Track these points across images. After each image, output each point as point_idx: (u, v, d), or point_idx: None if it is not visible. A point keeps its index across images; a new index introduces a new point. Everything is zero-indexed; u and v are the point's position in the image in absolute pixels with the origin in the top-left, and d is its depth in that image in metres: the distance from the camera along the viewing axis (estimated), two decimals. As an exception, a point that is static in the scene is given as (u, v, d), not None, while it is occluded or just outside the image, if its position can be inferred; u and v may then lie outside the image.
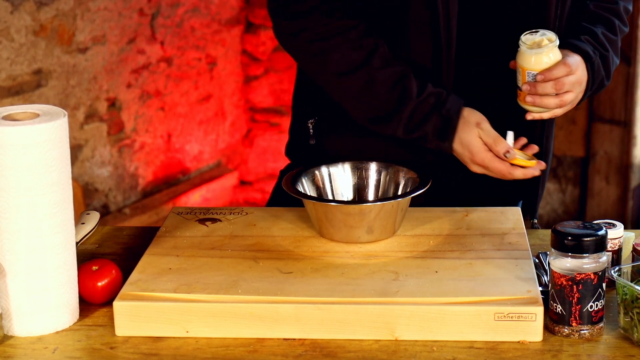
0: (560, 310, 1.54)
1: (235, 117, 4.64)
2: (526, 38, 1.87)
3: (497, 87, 1.96)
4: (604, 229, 1.54)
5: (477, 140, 1.88)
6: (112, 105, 3.95)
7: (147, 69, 4.09)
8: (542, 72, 1.86)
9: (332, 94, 1.95)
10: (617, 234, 1.69)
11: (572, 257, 1.53)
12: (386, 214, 1.74)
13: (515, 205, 2.02)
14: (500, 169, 1.88)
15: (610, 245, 1.68)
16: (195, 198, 4.31)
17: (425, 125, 1.88)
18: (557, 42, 1.87)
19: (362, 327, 1.53)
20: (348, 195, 1.88)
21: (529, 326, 1.52)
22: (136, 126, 4.08)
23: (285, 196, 1.82)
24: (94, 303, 1.66)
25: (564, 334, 1.54)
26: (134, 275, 1.64)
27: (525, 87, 1.87)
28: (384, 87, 1.89)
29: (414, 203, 1.82)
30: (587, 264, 1.52)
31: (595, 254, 1.52)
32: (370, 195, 1.88)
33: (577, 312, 1.53)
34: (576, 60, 1.89)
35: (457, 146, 1.90)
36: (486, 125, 1.89)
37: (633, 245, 1.69)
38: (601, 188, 4.33)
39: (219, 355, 1.51)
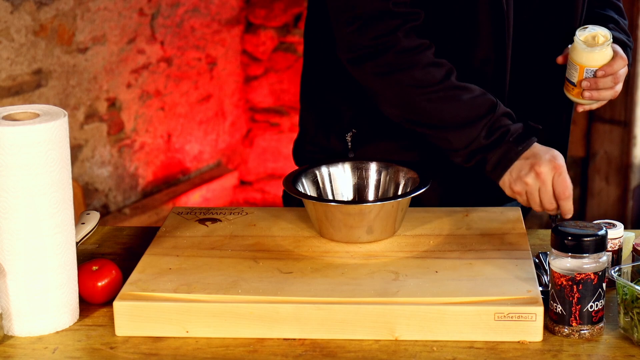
0: (560, 310, 1.54)
1: (235, 117, 4.64)
2: (581, 34, 1.89)
3: (536, 83, 1.98)
4: (604, 229, 1.54)
5: (558, 156, 1.82)
6: (112, 105, 3.95)
7: (147, 69, 4.09)
8: (602, 68, 1.89)
9: (407, 107, 1.85)
10: (617, 234, 1.69)
11: (572, 257, 1.53)
12: (386, 214, 1.74)
13: (516, 203, 2.01)
14: (568, 184, 1.79)
15: (610, 245, 1.68)
16: (195, 198, 4.31)
17: (510, 126, 1.83)
18: (612, 38, 1.90)
19: (362, 327, 1.53)
20: (348, 195, 1.88)
21: (529, 326, 1.52)
22: (136, 126, 4.08)
23: (295, 199, 1.81)
24: (94, 303, 1.66)
25: (564, 334, 1.54)
26: (134, 275, 1.64)
27: (585, 84, 1.89)
28: (469, 94, 1.84)
29: (414, 203, 1.82)
30: (587, 264, 1.52)
31: (595, 254, 1.52)
32: (370, 195, 1.88)
33: (577, 312, 1.53)
34: (622, 51, 1.93)
35: (529, 153, 1.82)
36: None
37: (633, 245, 1.69)
38: (601, 188, 4.33)
39: (219, 355, 1.51)
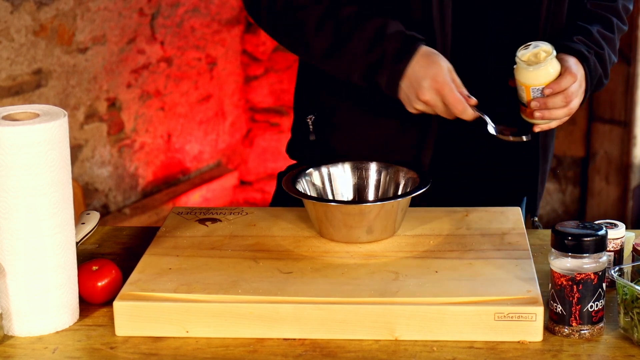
0: (560, 310, 1.54)
1: (235, 117, 4.64)
2: (522, 54, 1.83)
3: (491, 88, 1.94)
4: (604, 229, 1.53)
5: (445, 65, 1.82)
6: (112, 105, 3.95)
7: (147, 69, 4.09)
8: (549, 86, 1.83)
9: (291, 31, 1.92)
10: (618, 234, 1.69)
11: (572, 257, 1.53)
12: (386, 214, 1.74)
13: (516, 203, 2.01)
14: (457, 100, 1.80)
15: (612, 246, 1.68)
16: (195, 198, 4.31)
17: (387, 44, 1.83)
18: (555, 53, 1.84)
19: (362, 327, 1.53)
20: (348, 195, 1.88)
21: (529, 326, 1.52)
22: (136, 126, 4.08)
23: (286, 197, 1.81)
24: (94, 303, 1.66)
25: (564, 334, 1.54)
26: (134, 275, 1.64)
27: (534, 104, 1.84)
28: (346, 12, 1.87)
29: (414, 203, 1.82)
30: (587, 264, 1.52)
31: (595, 254, 1.52)
32: (370, 195, 1.88)
33: (577, 312, 1.53)
34: (575, 65, 1.87)
35: (413, 70, 1.82)
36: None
37: (633, 245, 1.69)
38: (601, 188, 4.33)
39: (219, 355, 1.51)
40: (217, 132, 4.51)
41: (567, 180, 4.46)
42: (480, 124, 1.85)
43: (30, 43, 3.52)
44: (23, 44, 3.49)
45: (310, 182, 1.85)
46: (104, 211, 3.96)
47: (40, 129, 1.52)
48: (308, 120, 2.04)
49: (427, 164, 1.94)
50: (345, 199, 1.88)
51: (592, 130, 4.32)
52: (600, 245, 1.52)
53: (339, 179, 1.88)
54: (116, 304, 1.56)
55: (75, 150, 3.77)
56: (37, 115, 1.56)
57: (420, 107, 1.84)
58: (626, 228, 1.72)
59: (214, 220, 1.85)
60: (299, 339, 1.54)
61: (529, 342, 1.52)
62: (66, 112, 1.58)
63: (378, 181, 1.88)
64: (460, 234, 1.78)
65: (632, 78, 4.15)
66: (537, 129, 1.89)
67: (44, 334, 1.58)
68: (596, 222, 1.59)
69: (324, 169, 1.88)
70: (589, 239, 1.51)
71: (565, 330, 1.54)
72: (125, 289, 1.60)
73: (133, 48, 3.99)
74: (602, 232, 1.52)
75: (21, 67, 3.50)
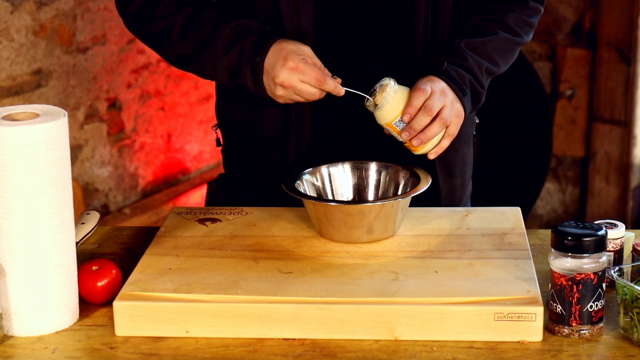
0: (560, 310, 1.54)
1: (235, 117, 4.63)
2: (368, 104, 1.81)
3: (362, 107, 1.89)
4: (604, 228, 1.54)
5: (298, 47, 1.80)
6: (112, 105, 3.95)
7: (147, 69, 4.09)
8: (404, 112, 1.79)
9: (156, 42, 1.94)
10: (618, 234, 1.69)
11: (572, 257, 1.53)
12: (386, 214, 1.74)
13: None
14: (313, 69, 1.77)
15: (612, 246, 1.68)
16: (195, 198, 4.31)
17: (245, 40, 1.83)
18: (392, 82, 1.80)
19: (362, 327, 1.53)
20: (348, 195, 1.88)
21: (529, 326, 1.52)
22: (136, 126, 4.08)
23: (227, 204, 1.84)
24: (94, 303, 1.66)
25: (564, 334, 1.54)
26: (134, 275, 1.64)
27: (405, 135, 1.80)
28: (206, 18, 1.88)
29: (414, 203, 1.82)
30: (587, 264, 1.52)
31: (595, 254, 1.52)
32: (370, 195, 1.88)
33: (577, 312, 1.53)
34: (424, 82, 1.82)
35: (268, 60, 1.80)
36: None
37: (633, 245, 1.69)
38: (601, 188, 4.34)
39: (219, 355, 1.51)
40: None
41: (567, 180, 4.46)
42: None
43: (30, 43, 3.52)
44: (23, 44, 3.49)
45: (310, 182, 1.85)
46: (104, 211, 3.96)
47: (40, 129, 1.52)
48: (215, 130, 2.06)
49: (427, 164, 1.93)
50: (345, 199, 1.88)
51: (592, 130, 4.32)
52: (600, 245, 1.52)
53: (339, 179, 1.88)
54: (116, 304, 1.56)
55: (75, 150, 3.77)
56: (37, 115, 1.56)
57: (280, 91, 1.79)
58: (626, 228, 1.72)
59: (214, 220, 1.85)
60: (299, 339, 1.54)
61: (529, 342, 1.52)
62: (66, 112, 1.58)
63: (378, 181, 1.88)
64: (460, 234, 1.78)
65: (632, 78, 4.15)
66: (432, 156, 1.84)
67: (44, 334, 1.58)
68: (596, 222, 1.59)
69: (324, 169, 1.88)
70: (588, 239, 1.51)
71: (565, 330, 1.54)
72: (125, 289, 1.60)
73: (133, 48, 3.99)
74: (602, 232, 1.52)
75: (21, 67, 3.50)
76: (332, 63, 1.84)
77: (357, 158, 1.90)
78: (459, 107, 1.84)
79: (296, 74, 1.77)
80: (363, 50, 1.91)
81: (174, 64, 1.96)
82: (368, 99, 1.81)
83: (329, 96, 1.81)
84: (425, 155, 1.85)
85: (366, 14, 1.90)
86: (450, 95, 1.83)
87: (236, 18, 1.86)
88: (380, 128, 1.85)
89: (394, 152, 1.89)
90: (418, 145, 1.82)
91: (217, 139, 2.06)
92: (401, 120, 1.80)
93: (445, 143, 1.84)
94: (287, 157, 1.93)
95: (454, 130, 1.84)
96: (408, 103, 1.80)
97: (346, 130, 1.96)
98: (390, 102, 1.80)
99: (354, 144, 1.96)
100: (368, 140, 1.94)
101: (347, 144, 1.96)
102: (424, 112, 1.79)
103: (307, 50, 1.81)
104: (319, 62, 1.81)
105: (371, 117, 1.83)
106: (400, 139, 1.83)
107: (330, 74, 1.80)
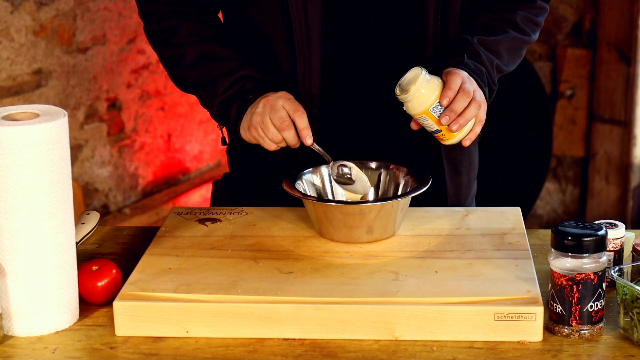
0: (560, 310, 1.54)
1: (235, 117, 4.63)
2: (399, 91, 1.79)
3: (373, 99, 1.92)
4: (604, 228, 1.54)
5: (278, 100, 1.83)
6: (112, 105, 3.95)
7: (147, 68, 4.09)
8: (442, 96, 1.78)
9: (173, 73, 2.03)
10: (619, 234, 1.69)
11: (572, 257, 1.53)
12: (386, 214, 1.74)
13: None
14: (280, 116, 1.81)
15: (612, 246, 1.68)
16: (195, 198, 4.31)
17: (246, 83, 1.88)
18: (423, 70, 1.79)
19: (362, 327, 1.53)
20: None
21: (529, 326, 1.52)
22: (136, 126, 4.08)
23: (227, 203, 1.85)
24: (94, 303, 1.66)
25: (564, 334, 1.54)
26: (134, 275, 1.64)
27: (445, 120, 1.78)
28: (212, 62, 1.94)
29: (420, 202, 1.82)
30: (587, 264, 1.52)
31: (595, 254, 1.52)
32: (370, 195, 1.88)
33: (577, 312, 1.53)
34: (452, 69, 1.83)
35: (252, 109, 1.85)
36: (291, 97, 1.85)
37: (633, 245, 1.69)
38: (601, 188, 4.34)
39: (219, 355, 1.51)
40: (217, 132, 4.50)
41: (567, 180, 4.46)
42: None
43: (30, 43, 3.52)
44: (23, 44, 3.49)
45: (310, 182, 1.85)
46: (104, 211, 3.96)
47: (40, 129, 1.52)
48: (220, 128, 2.07)
49: (427, 164, 1.93)
50: (345, 199, 1.88)
51: (592, 130, 4.32)
52: (600, 245, 1.52)
53: (339, 179, 1.88)
54: (116, 304, 1.56)
55: (75, 150, 3.77)
56: (37, 115, 1.56)
57: (256, 119, 1.84)
58: (626, 228, 1.72)
59: (214, 220, 1.85)
60: (299, 339, 1.54)
61: (529, 342, 1.52)
62: (66, 112, 1.58)
63: (378, 181, 1.88)
64: (460, 234, 1.78)
65: (632, 78, 4.15)
66: (467, 142, 1.83)
67: (44, 334, 1.58)
68: (596, 222, 1.59)
69: (324, 169, 1.88)
70: (588, 239, 1.51)
71: (565, 330, 1.54)
72: (125, 289, 1.60)
73: (133, 48, 3.99)
74: (602, 232, 1.52)
75: (21, 67, 3.50)
76: (341, 63, 1.85)
77: (361, 156, 1.90)
78: (482, 95, 1.85)
79: (270, 111, 1.82)
80: (372, 50, 1.91)
81: (180, 87, 2.05)
82: (400, 90, 1.80)
83: (339, 86, 1.84)
84: (428, 154, 1.85)
85: (375, 14, 1.90)
86: (474, 82, 1.84)
87: (237, 68, 1.90)
88: (390, 121, 1.84)
89: (405, 147, 1.89)
90: (457, 129, 1.79)
91: (223, 138, 2.06)
92: (439, 105, 1.79)
93: (478, 128, 1.84)
94: (293, 155, 1.93)
95: (483, 116, 1.84)
96: (446, 86, 1.79)
97: (355, 122, 1.97)
98: (426, 89, 1.79)
99: (364, 138, 1.97)
100: (377, 135, 1.95)
101: (355, 137, 1.97)
102: (462, 94, 1.79)
103: (281, 95, 1.84)
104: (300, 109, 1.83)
105: (381, 112, 1.83)
106: (435, 128, 1.80)
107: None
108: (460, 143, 1.84)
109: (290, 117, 1.81)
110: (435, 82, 1.80)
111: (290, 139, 1.81)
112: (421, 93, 1.79)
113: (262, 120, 1.82)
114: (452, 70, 1.82)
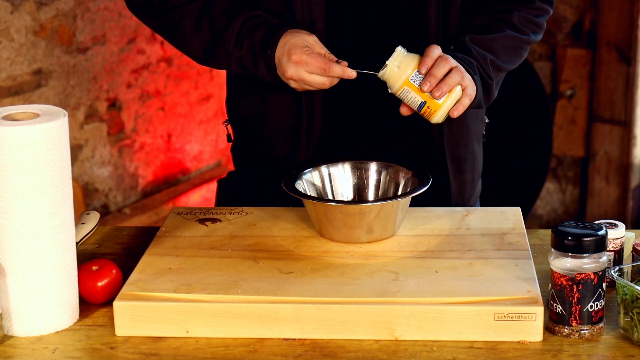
0: (560, 310, 1.54)
1: (235, 117, 4.63)
2: (382, 72, 1.80)
3: (376, 97, 1.91)
4: (604, 228, 1.53)
5: (302, 38, 1.82)
6: (112, 105, 3.95)
7: (147, 69, 4.09)
8: (421, 64, 1.78)
9: (171, 33, 1.97)
10: (619, 234, 1.69)
11: (572, 257, 1.53)
12: (386, 214, 1.74)
13: None
14: (315, 58, 1.80)
15: (612, 246, 1.68)
16: (195, 198, 4.31)
17: (254, 35, 1.86)
18: (402, 47, 1.80)
19: (362, 327, 1.53)
20: (348, 195, 1.88)
21: (529, 326, 1.52)
22: (136, 126, 4.08)
23: (229, 203, 1.83)
24: (94, 303, 1.66)
25: (564, 334, 1.54)
26: (134, 275, 1.64)
27: (425, 86, 1.77)
28: (217, 11, 1.90)
29: (424, 201, 1.82)
30: (587, 264, 1.52)
31: (595, 254, 1.52)
32: (370, 195, 1.88)
33: (577, 312, 1.53)
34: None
35: (277, 55, 1.83)
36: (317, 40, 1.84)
37: (633, 245, 1.69)
38: (601, 188, 4.33)
39: (219, 355, 1.51)
40: (217, 132, 4.51)
41: (567, 180, 4.46)
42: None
43: (30, 43, 3.51)
44: (23, 44, 3.49)
45: (310, 182, 1.85)
46: (104, 211, 3.96)
47: (40, 129, 1.52)
48: (225, 125, 2.08)
49: (426, 163, 1.93)
50: (345, 199, 1.88)
51: (592, 130, 4.32)
52: (600, 245, 1.52)
53: (339, 179, 1.88)
54: (116, 304, 1.56)
55: (75, 150, 3.77)
56: (37, 115, 1.56)
57: (293, 84, 1.84)
58: (626, 228, 1.72)
59: (214, 220, 1.85)
60: (299, 339, 1.54)
61: (529, 342, 1.52)
62: (66, 112, 1.58)
63: (378, 181, 1.88)
64: (460, 234, 1.78)
65: (632, 78, 4.15)
66: (455, 113, 1.80)
67: (44, 334, 1.58)
68: (596, 222, 1.59)
69: (324, 169, 1.88)
70: (589, 239, 1.51)
71: (565, 330, 1.54)
72: (125, 289, 1.60)
73: (133, 48, 3.99)
74: (602, 232, 1.52)
75: (21, 67, 3.50)
76: (344, 58, 1.86)
77: (358, 157, 1.90)
78: (468, 74, 1.83)
79: (302, 67, 1.80)
80: (374, 49, 1.91)
81: (187, 54, 1.99)
82: (381, 70, 1.81)
83: (341, 82, 1.83)
84: (432, 153, 1.84)
85: (377, 13, 1.91)
86: (460, 66, 1.83)
87: (246, 10, 1.88)
88: (393, 120, 1.84)
89: (409, 145, 1.89)
90: (440, 96, 1.78)
91: (228, 135, 2.06)
92: (418, 74, 1.79)
93: (467, 101, 1.81)
94: (297, 151, 1.94)
95: (472, 92, 1.82)
96: (424, 55, 1.79)
97: (358, 118, 1.97)
98: (403, 62, 1.79)
99: (367, 136, 1.97)
100: (380, 134, 1.95)
101: (359, 133, 1.97)
102: (441, 60, 1.79)
103: (311, 39, 1.83)
104: (324, 50, 1.82)
105: (384, 111, 1.83)
106: (419, 101, 1.79)
107: (335, 59, 1.81)
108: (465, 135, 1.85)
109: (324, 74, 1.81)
110: (414, 56, 1.81)
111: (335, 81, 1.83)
112: (398, 65, 1.79)
113: (301, 88, 1.84)
114: (431, 45, 1.82)
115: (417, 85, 1.79)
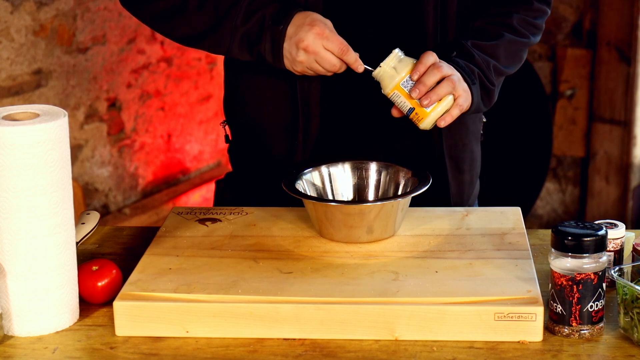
0: (560, 310, 1.54)
1: (235, 117, 4.63)
2: (374, 73, 1.81)
3: (374, 98, 1.90)
4: (604, 228, 1.53)
5: (323, 18, 1.80)
6: (112, 105, 3.95)
7: (147, 69, 4.09)
8: (414, 71, 1.79)
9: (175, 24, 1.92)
10: (619, 234, 1.69)
11: (572, 257, 1.53)
12: (386, 214, 1.74)
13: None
14: (338, 39, 1.79)
15: (612, 246, 1.68)
16: (195, 198, 4.31)
17: (266, 10, 1.83)
18: (399, 50, 1.81)
19: (362, 327, 1.53)
20: (348, 195, 1.88)
21: (529, 326, 1.52)
22: (136, 126, 4.08)
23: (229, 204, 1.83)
24: (94, 303, 1.66)
25: (564, 334, 1.54)
26: (134, 275, 1.64)
27: (415, 93, 1.78)
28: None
29: (423, 201, 1.82)
30: (587, 264, 1.52)
31: (595, 254, 1.52)
32: (370, 195, 1.88)
33: (577, 312, 1.53)
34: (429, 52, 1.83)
35: (292, 27, 1.80)
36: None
37: (633, 245, 1.69)
38: (601, 188, 4.33)
39: (219, 355, 1.51)
40: (217, 132, 4.51)
41: (567, 180, 4.46)
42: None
43: (30, 43, 3.52)
44: (23, 44, 3.49)
45: (310, 182, 1.85)
46: (104, 211, 3.96)
47: (40, 129, 1.52)
48: (223, 126, 2.07)
49: (426, 163, 1.93)
50: (345, 199, 1.88)
51: (592, 130, 4.32)
52: (600, 245, 1.52)
53: (339, 179, 1.88)
54: (116, 304, 1.56)
55: (75, 150, 3.77)
56: (37, 115, 1.56)
57: (302, 56, 1.80)
58: (626, 228, 1.72)
59: (214, 220, 1.86)
60: (299, 339, 1.54)
61: (529, 342, 1.52)
62: (66, 112, 1.58)
63: (378, 181, 1.88)
64: (460, 234, 1.78)
65: (632, 78, 4.15)
66: (442, 123, 1.81)
67: (44, 334, 1.58)
68: (596, 222, 1.59)
69: (324, 169, 1.88)
70: (589, 239, 1.51)
71: (565, 330, 1.54)
72: (125, 289, 1.60)
73: (133, 48, 3.99)
74: (602, 232, 1.52)
75: (21, 67, 3.50)
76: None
77: (358, 157, 1.90)
78: (466, 86, 1.84)
79: (321, 40, 1.79)
80: (372, 50, 1.91)
81: (184, 39, 1.93)
82: (377, 68, 1.81)
83: (340, 81, 1.82)
84: (431, 153, 1.84)
85: (375, 13, 1.91)
86: (458, 74, 1.83)
87: None
88: (392, 120, 1.84)
89: (407, 145, 1.89)
90: (427, 104, 1.79)
91: (226, 135, 2.06)
92: (410, 80, 1.80)
93: (456, 112, 1.82)
94: (295, 151, 1.94)
95: (464, 103, 1.82)
96: (417, 62, 1.80)
97: (356, 118, 1.97)
98: (398, 65, 1.80)
99: (365, 137, 1.97)
100: (379, 134, 1.95)
101: (356, 133, 1.97)
102: (433, 68, 1.79)
103: (329, 23, 1.82)
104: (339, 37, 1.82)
105: (382, 111, 1.83)
106: (408, 107, 1.80)
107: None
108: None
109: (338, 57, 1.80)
110: (409, 60, 1.81)
111: (343, 69, 1.82)
112: (392, 68, 1.80)
113: (310, 67, 1.82)
114: (427, 52, 1.82)
115: (407, 91, 1.81)
